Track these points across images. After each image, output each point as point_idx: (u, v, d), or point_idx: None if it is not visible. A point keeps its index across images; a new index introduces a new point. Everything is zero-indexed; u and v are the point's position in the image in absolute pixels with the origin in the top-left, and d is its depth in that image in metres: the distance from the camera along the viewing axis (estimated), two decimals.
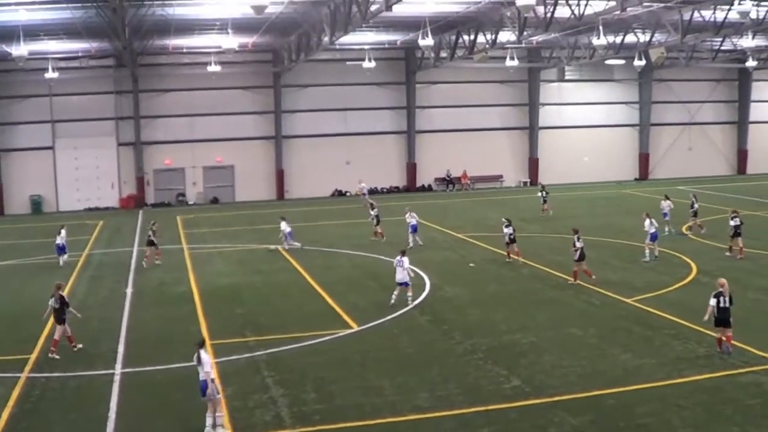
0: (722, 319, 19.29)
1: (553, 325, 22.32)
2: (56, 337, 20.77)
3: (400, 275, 25.25)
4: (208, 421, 15.32)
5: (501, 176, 66.59)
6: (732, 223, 32.47)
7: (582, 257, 27.89)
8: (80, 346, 21.28)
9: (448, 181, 65.43)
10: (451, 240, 38.27)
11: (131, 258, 36.22)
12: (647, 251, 32.05)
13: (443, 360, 19.52)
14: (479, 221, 44.41)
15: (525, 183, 67.11)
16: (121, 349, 21.26)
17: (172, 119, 59.66)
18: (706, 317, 19.59)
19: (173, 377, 18.87)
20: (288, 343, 21.17)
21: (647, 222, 32.24)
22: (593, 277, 27.86)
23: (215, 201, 60.81)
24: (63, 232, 35.52)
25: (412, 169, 64.73)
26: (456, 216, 47.09)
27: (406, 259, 25.31)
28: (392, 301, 25.16)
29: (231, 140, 60.80)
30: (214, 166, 61.32)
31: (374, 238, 39.08)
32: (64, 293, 21.51)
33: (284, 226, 37.15)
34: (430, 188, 65.44)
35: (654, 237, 32.08)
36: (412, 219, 37.61)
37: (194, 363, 15.72)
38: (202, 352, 15.66)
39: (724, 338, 19.37)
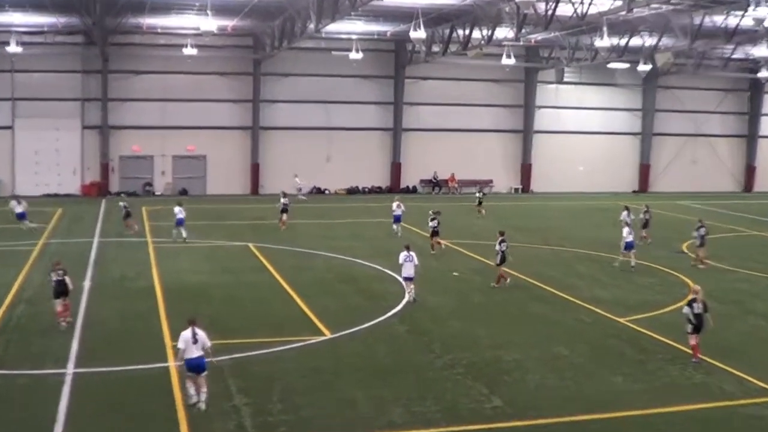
0: (699, 326, 20.28)
1: (539, 342, 22.29)
2: (60, 309, 22.89)
3: (410, 271, 26.44)
4: (202, 396, 16.82)
5: (491, 181, 66.66)
6: (697, 233, 34.29)
7: (503, 261, 29.23)
8: (66, 324, 22.77)
9: (434, 184, 65.50)
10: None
11: (91, 249, 35.96)
12: (632, 261, 33.35)
13: (421, 374, 19.44)
14: (466, 228, 44.37)
15: (516, 190, 67.27)
16: (74, 346, 21.04)
17: (143, 103, 59.32)
18: (690, 328, 20.39)
19: (130, 379, 18.69)
20: (255, 348, 21.02)
21: (625, 230, 33.71)
22: (507, 280, 29.33)
23: (184, 193, 60.46)
24: (23, 201, 41.32)
25: (396, 168, 64.73)
26: (441, 221, 47.00)
27: (414, 254, 26.74)
28: (413, 298, 26.40)
29: (204, 129, 60.57)
30: (184, 156, 61.07)
31: (283, 226, 42.50)
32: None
33: (178, 211, 38.35)
34: (414, 190, 65.47)
35: (629, 246, 33.35)
36: (398, 210, 40.81)
37: (181, 347, 16.78)
38: (198, 329, 16.90)
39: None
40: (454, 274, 31.92)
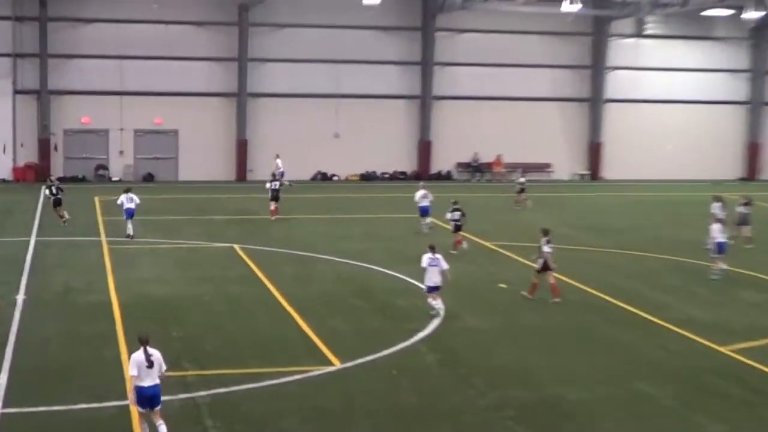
0: None
1: (614, 378, 22.13)
2: None
3: (436, 278, 26.72)
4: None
5: (549, 165, 66.56)
6: None
7: (546, 267, 29.30)
8: None
9: (474, 168, 65.40)
10: (475, 250, 38.09)
11: (26, 251, 36.05)
12: (720, 267, 33.41)
13: (458, 417, 19.37)
14: (515, 226, 44.23)
15: (582, 176, 67.00)
16: (2, 380, 20.99)
17: (94, 61, 59.57)
18: None
19: (76, 422, 18.67)
20: (241, 381, 20.97)
21: (716, 227, 33.73)
22: (557, 300, 29.10)
23: (149, 178, 60.67)
24: None
25: (425, 148, 64.72)
26: (484, 217, 46.88)
27: (441, 257, 27.08)
28: (436, 312, 26.71)
29: (175, 95, 60.78)
30: (150, 130, 61.29)
31: (272, 217, 44.65)
32: None
33: (125, 199, 39.21)
34: (449, 176, 65.58)
35: (721, 248, 33.46)
36: (424, 200, 41.59)
37: (134, 373, 16.64)
38: (152, 350, 16.90)
39: None
40: (501, 286, 31.77)
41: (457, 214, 37.10)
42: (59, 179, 57.72)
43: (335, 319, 26.87)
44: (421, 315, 27.05)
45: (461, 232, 37.22)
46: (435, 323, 26.30)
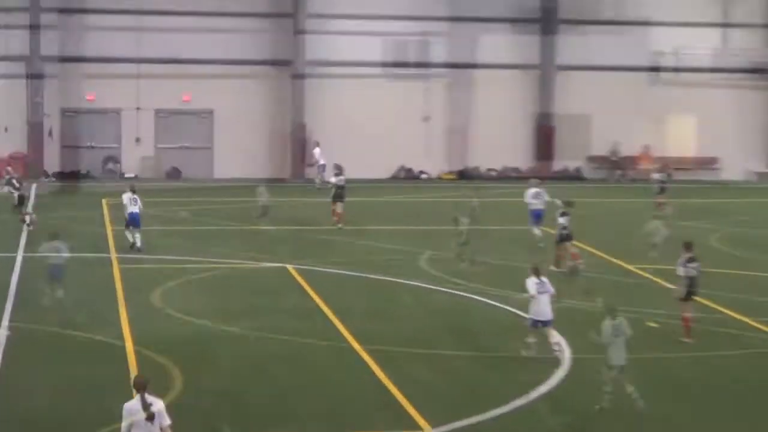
0: None
1: None
2: None
3: (546, 309, 26.99)
4: None
5: (715, 161, 65.98)
6: None
7: (692, 292, 29.59)
8: None
9: (613, 164, 65.03)
10: (612, 274, 37.96)
11: (11, 272, 36.51)
12: None
13: None
14: (667, 242, 43.82)
15: (762, 176, 66.29)
16: None
17: (102, 18, 60.37)
18: None
19: None
20: None
21: None
22: (688, 341, 29.15)
23: (175, 175, 61.14)
24: None
25: (546, 136, 64.67)
26: (623, 230, 46.67)
27: (548, 281, 27.83)
28: (528, 351, 27.06)
29: (209, 63, 61.28)
30: (175, 111, 61.84)
31: (336, 220, 46.10)
32: None
33: (127, 200, 39.91)
34: (578, 175, 65.22)
35: None
36: (536, 200, 42.25)
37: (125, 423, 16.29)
38: (153, 398, 16.56)
39: None
40: (650, 324, 31.45)
41: (565, 219, 37.52)
42: (59, 174, 58.77)
43: (423, 368, 26.84)
44: (538, 362, 26.94)
45: (569, 244, 37.65)
46: (559, 375, 26.14)
